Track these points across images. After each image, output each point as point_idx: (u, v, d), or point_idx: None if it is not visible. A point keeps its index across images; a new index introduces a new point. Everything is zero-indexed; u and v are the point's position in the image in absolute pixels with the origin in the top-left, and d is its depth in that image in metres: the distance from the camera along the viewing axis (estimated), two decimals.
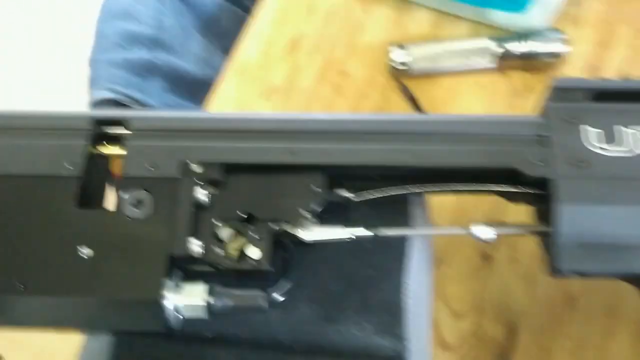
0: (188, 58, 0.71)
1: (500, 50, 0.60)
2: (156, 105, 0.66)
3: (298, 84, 0.63)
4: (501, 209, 0.54)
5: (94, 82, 0.65)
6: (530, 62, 0.61)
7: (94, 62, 0.66)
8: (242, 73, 0.63)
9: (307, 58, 0.64)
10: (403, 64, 0.60)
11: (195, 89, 0.72)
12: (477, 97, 0.61)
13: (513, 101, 0.61)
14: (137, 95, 0.64)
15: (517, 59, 0.60)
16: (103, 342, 0.38)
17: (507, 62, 0.61)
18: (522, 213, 0.54)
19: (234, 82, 0.63)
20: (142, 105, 0.65)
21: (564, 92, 0.36)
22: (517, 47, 0.60)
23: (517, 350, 0.50)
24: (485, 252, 0.54)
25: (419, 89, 0.61)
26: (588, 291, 0.52)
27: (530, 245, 0.53)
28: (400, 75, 0.61)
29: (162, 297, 0.32)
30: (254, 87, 0.63)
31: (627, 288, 0.51)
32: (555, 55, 0.60)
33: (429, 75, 0.62)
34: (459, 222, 0.55)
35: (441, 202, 0.55)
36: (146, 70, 0.66)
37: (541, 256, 0.53)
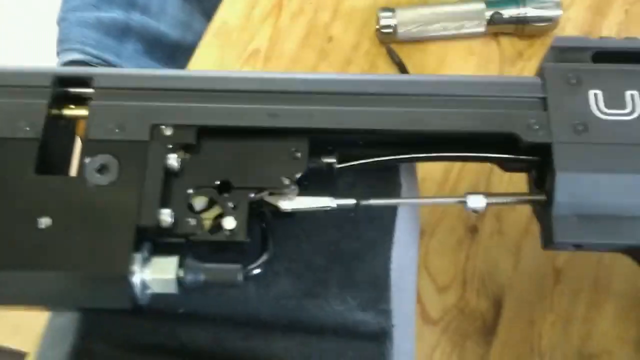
0: (165, 20, 0.68)
1: (492, 15, 0.58)
2: None
3: (281, 48, 0.60)
4: (486, 178, 0.54)
5: (62, 43, 0.61)
6: (522, 27, 0.59)
7: (63, 21, 0.62)
8: (223, 37, 0.61)
9: (290, 21, 0.61)
10: (391, 28, 0.58)
11: (173, 53, 0.69)
12: (466, 63, 0.59)
13: (504, 68, 0.59)
14: (110, 57, 0.61)
15: (508, 23, 0.58)
16: (68, 318, 0.36)
17: (498, 27, 0.59)
18: (505, 182, 0.54)
19: (214, 45, 0.61)
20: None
21: (562, 52, 0.34)
22: (509, 11, 0.58)
23: (501, 324, 0.50)
24: (470, 224, 0.53)
25: (407, 55, 0.59)
26: (574, 264, 0.51)
27: (516, 217, 0.53)
28: (388, 40, 0.59)
29: (129, 272, 0.30)
30: (235, 52, 0.60)
31: (613, 260, 0.50)
32: (547, 20, 0.58)
33: (417, 40, 0.59)
34: (445, 193, 0.55)
35: (425, 173, 0.54)
36: (120, 31, 0.62)
37: (527, 227, 0.53)
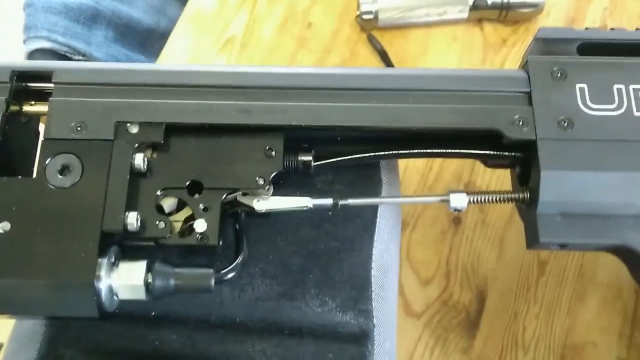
0: (137, 5, 0.65)
1: (475, 0, 0.56)
2: (101, 57, 0.60)
3: (258, 35, 0.58)
4: (470, 167, 0.53)
5: (29, 30, 0.58)
6: (505, 13, 0.57)
7: (28, 7, 0.59)
8: (198, 23, 0.59)
9: (268, 7, 0.59)
10: (372, 14, 0.56)
11: (146, 39, 0.66)
12: (449, 50, 0.58)
13: (487, 54, 0.57)
14: (79, 45, 0.58)
15: (492, 9, 0.57)
16: (35, 322, 0.34)
17: (481, 12, 0.57)
18: (489, 172, 0.52)
19: (189, 32, 0.58)
20: (85, 56, 0.59)
21: (548, 44, 0.33)
22: None
23: (484, 316, 0.49)
24: (453, 215, 0.52)
25: (388, 42, 0.57)
26: (558, 255, 0.50)
27: (500, 208, 0.52)
28: (369, 27, 0.57)
29: (95, 278, 0.28)
30: (210, 38, 0.58)
31: (597, 252, 0.50)
32: (532, 6, 0.57)
33: (399, 26, 0.58)
34: (427, 184, 0.53)
35: (407, 163, 0.53)
36: (89, 17, 0.60)
37: (511, 218, 0.52)
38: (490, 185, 0.53)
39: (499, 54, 0.57)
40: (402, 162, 0.43)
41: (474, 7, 0.57)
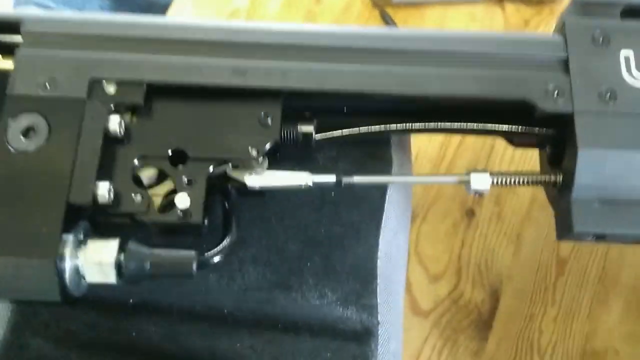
0: None
1: None
2: None
3: (264, 9, 0.56)
4: (486, 156, 0.51)
5: None
6: None
7: None
8: None
9: None
10: None
11: (145, 11, 0.64)
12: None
13: None
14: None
15: None
16: (0, 306, 0.31)
17: None
18: (507, 161, 0.50)
19: (190, 3, 0.57)
20: None
21: (587, 7, 0.30)
22: None
23: (498, 317, 0.47)
24: (466, 207, 0.50)
25: (402, 20, 0.55)
26: (579, 254, 0.48)
27: (517, 201, 0.50)
28: (382, 3, 0.55)
29: (57, 257, 0.25)
30: (212, 11, 0.56)
31: (622, 250, 0.47)
32: None
33: (414, 4, 0.55)
34: (440, 171, 0.51)
35: (418, 149, 0.51)
36: None
37: (529, 212, 0.50)
38: None
39: None
40: (413, 149, 0.41)
41: None
